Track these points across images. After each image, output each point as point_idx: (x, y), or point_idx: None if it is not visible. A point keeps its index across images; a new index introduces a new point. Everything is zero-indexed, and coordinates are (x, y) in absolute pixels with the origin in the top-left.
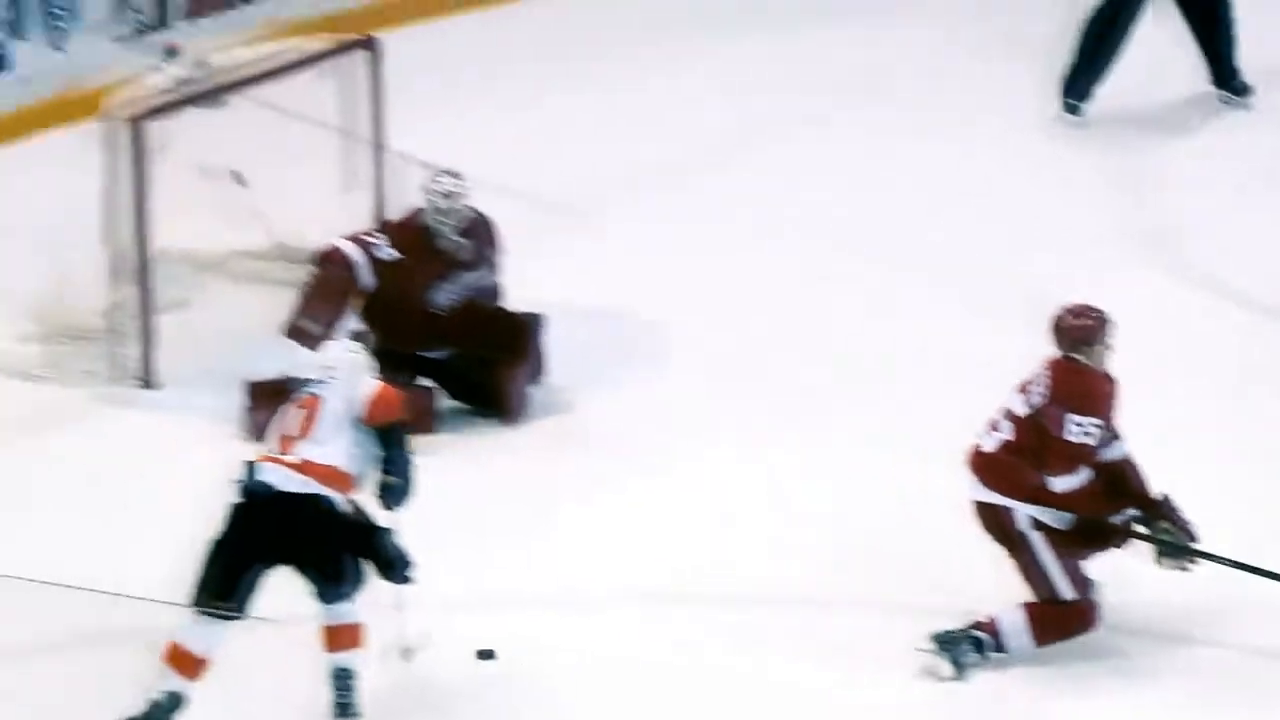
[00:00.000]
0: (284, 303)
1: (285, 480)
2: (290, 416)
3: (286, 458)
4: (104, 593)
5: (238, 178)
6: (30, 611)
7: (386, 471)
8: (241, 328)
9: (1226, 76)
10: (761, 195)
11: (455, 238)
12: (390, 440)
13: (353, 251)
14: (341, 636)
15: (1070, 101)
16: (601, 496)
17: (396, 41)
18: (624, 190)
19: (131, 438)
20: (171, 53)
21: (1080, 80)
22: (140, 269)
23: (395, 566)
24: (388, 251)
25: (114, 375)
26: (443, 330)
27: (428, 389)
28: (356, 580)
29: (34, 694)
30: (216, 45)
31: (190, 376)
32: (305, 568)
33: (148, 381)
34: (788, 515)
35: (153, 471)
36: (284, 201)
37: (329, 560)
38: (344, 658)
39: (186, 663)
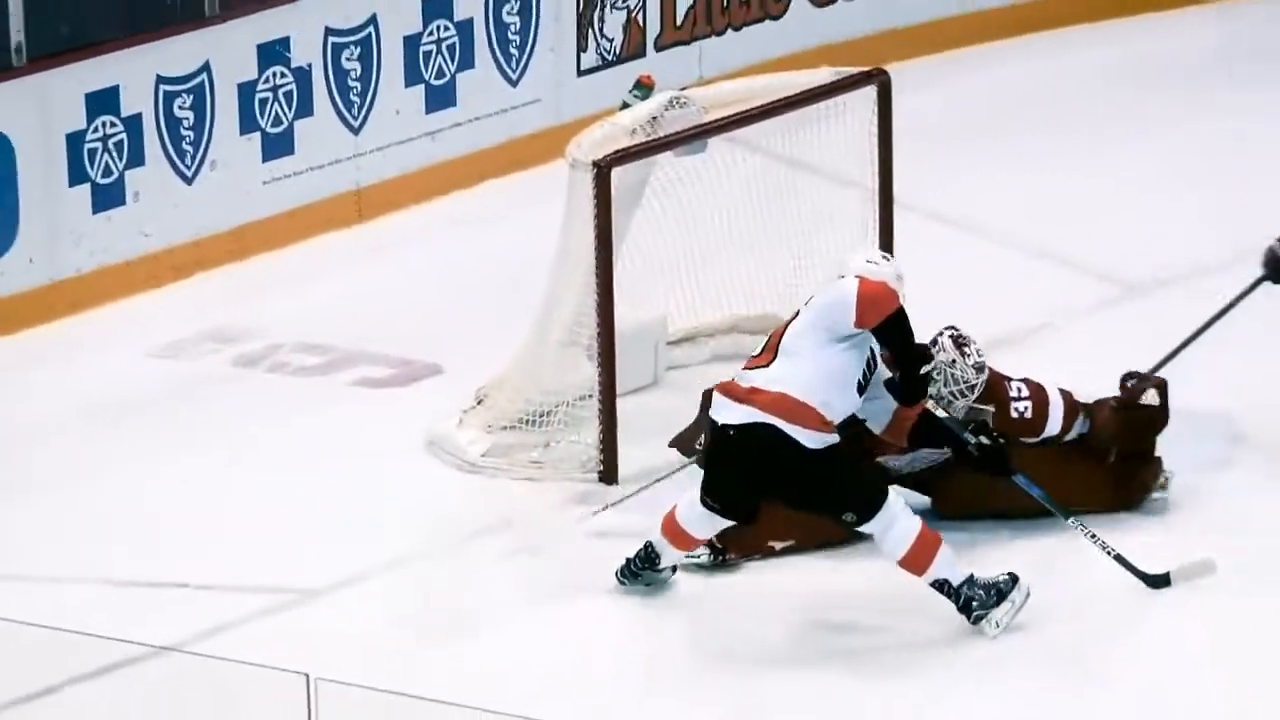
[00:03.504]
0: None
1: (729, 413)
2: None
3: (737, 386)
4: None
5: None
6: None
7: (898, 370)
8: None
9: None
10: None
11: (958, 408)
12: (888, 341)
13: None
14: (910, 560)
15: None
16: None
17: (908, 74)
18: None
19: (583, 545)
20: (643, 87)
21: None
22: (603, 341)
23: (866, 503)
24: None
25: (567, 468)
26: None
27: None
28: (859, 505)
29: None
30: (697, 79)
31: (654, 469)
32: (790, 500)
33: (606, 476)
34: None
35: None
36: (783, 261)
37: (805, 493)
38: (930, 574)
39: (682, 539)
